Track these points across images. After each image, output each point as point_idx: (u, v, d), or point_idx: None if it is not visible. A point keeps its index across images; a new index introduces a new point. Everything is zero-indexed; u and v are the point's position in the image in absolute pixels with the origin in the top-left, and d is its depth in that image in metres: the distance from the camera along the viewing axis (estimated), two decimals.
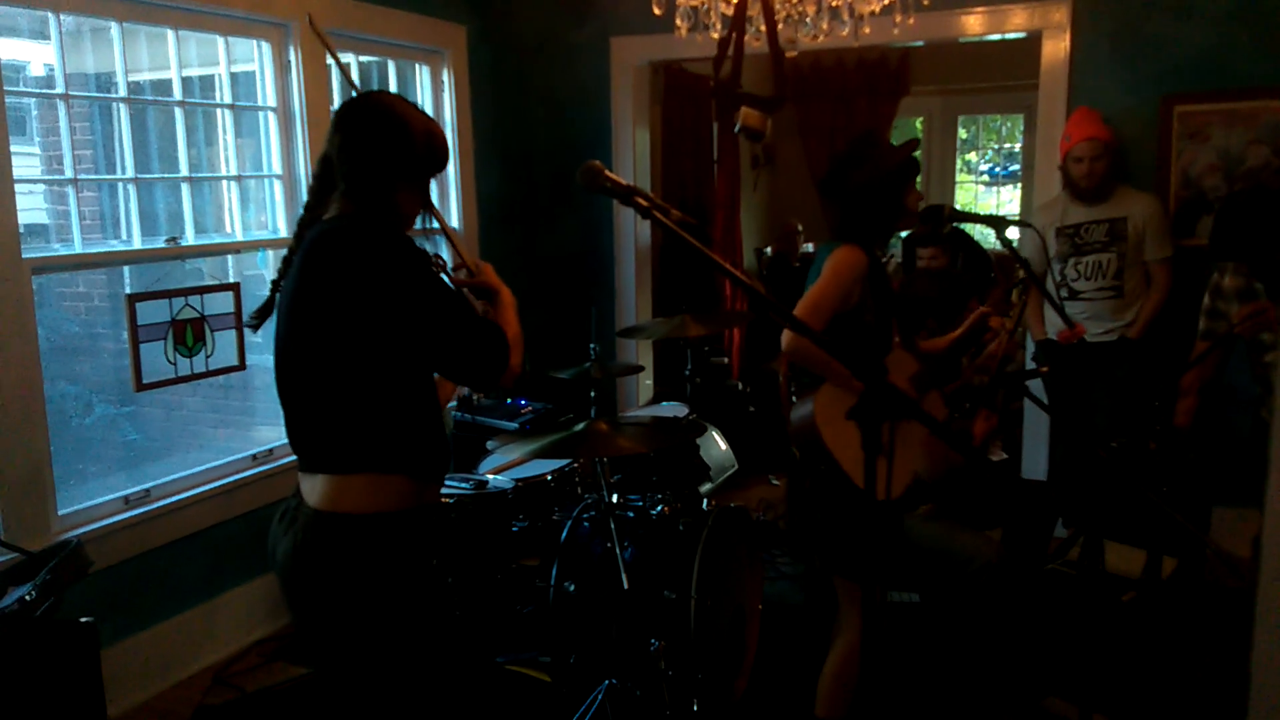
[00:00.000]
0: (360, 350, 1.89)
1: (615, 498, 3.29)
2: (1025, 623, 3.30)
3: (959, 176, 8.78)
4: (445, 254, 2.33)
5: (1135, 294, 4.11)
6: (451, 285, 2.11)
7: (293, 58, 3.94)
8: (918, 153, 2.60)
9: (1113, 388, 4.05)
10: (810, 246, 7.49)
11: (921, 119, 8.55)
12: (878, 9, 2.80)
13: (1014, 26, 4.41)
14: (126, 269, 3.59)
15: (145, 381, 3.42)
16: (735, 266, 1.57)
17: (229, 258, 3.91)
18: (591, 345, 3.78)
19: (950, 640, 3.28)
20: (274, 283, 2.07)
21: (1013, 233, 4.30)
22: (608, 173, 1.63)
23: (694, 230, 1.70)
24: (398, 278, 1.87)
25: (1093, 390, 4.06)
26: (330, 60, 4.05)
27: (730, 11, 2.70)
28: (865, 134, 2.66)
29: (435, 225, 2.27)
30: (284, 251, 2.08)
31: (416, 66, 4.78)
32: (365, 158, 1.97)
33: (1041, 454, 4.55)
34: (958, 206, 8.22)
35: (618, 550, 2.98)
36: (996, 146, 9.22)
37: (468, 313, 1.97)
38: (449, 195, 4.93)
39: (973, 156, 9.16)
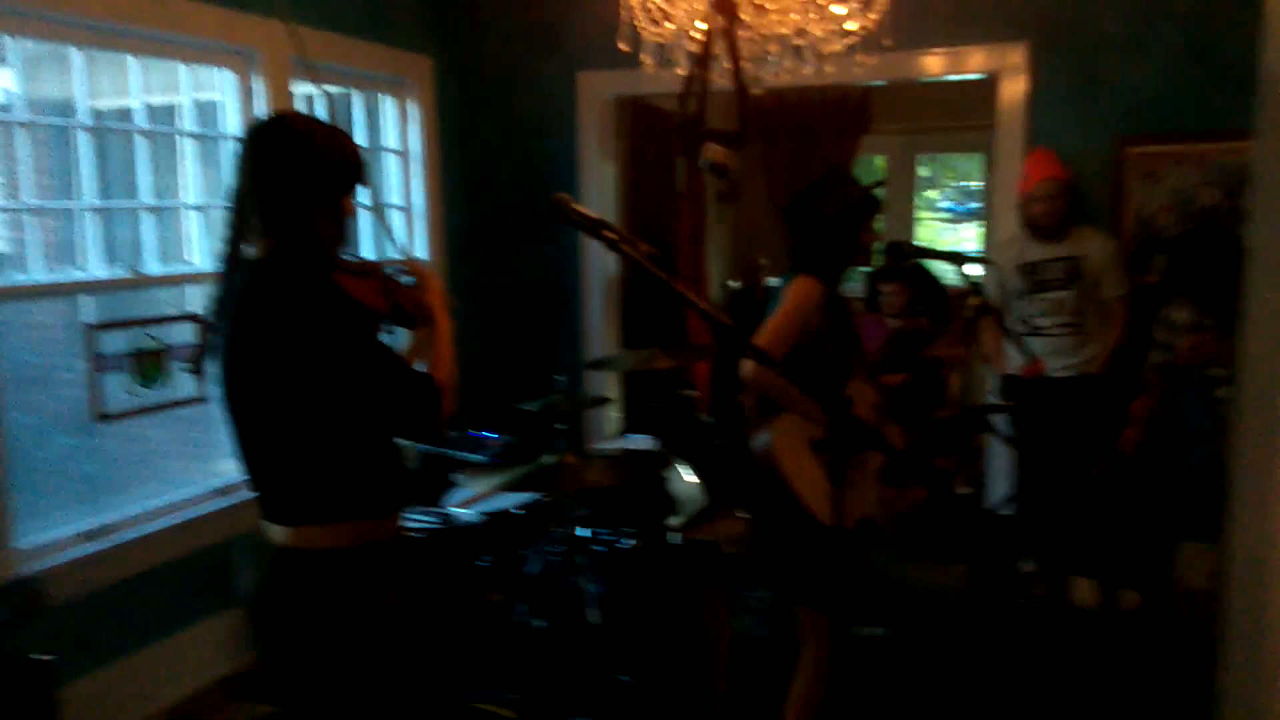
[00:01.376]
0: (295, 403, 1.86)
1: (584, 532, 3.27)
2: (992, 657, 3.32)
3: (919, 214, 8.90)
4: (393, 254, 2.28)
5: (1095, 330, 4.18)
6: (393, 290, 2.07)
7: (257, 87, 3.93)
8: (880, 191, 2.65)
9: (1074, 422, 4.11)
10: (775, 281, 7.55)
11: (883, 156, 8.68)
12: (840, 48, 2.86)
13: (973, 67, 4.50)
14: (88, 299, 3.54)
15: (105, 413, 3.36)
16: (701, 300, 1.59)
17: (187, 288, 3.87)
18: (558, 377, 3.77)
19: (917, 674, 3.29)
20: (208, 325, 2.00)
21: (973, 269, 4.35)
22: (576, 205, 1.65)
23: (660, 263, 1.72)
24: (320, 333, 1.83)
25: (1055, 425, 4.12)
26: (298, 84, 4.05)
27: (697, 49, 2.74)
28: (832, 168, 2.71)
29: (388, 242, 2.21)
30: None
31: (383, 97, 4.79)
32: (272, 184, 1.89)
33: (1005, 488, 4.59)
34: (918, 243, 8.33)
35: (588, 585, 2.96)
36: (956, 184, 9.38)
37: (396, 365, 1.93)
38: (415, 226, 4.92)
39: (933, 194, 9.31)
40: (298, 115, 2.01)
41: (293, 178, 1.89)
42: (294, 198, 1.90)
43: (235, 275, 1.95)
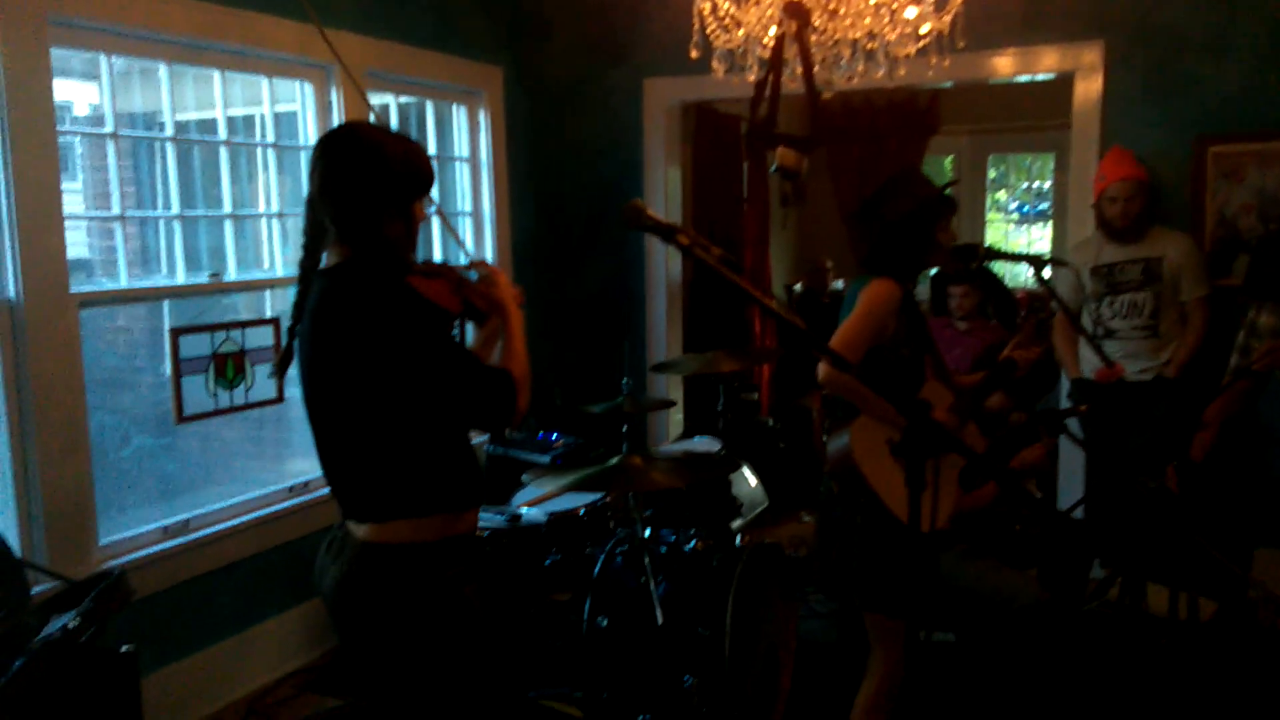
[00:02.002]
0: (373, 406, 1.91)
1: (648, 532, 3.29)
2: (1065, 665, 3.26)
3: (989, 215, 8.78)
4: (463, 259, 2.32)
5: (1171, 333, 4.08)
6: (464, 288, 2.11)
7: (334, 99, 4.02)
8: (951, 190, 2.62)
9: (1150, 428, 4.02)
10: (840, 284, 7.50)
11: (951, 158, 8.58)
12: (913, 51, 2.84)
13: (1046, 67, 4.43)
14: (166, 304, 3.66)
15: (186, 414, 3.47)
16: (774, 303, 1.59)
17: (265, 293, 3.98)
18: (624, 380, 3.80)
19: (988, 681, 3.24)
20: (290, 329, 2.07)
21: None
22: (650, 211, 1.67)
23: (732, 268, 1.72)
24: (396, 336, 1.87)
25: (1130, 430, 4.03)
26: (376, 97, 4.13)
27: (767, 54, 2.74)
28: (904, 169, 2.69)
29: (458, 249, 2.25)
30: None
31: (454, 108, 4.87)
32: (344, 192, 1.94)
33: (1077, 493, 4.51)
34: (989, 245, 8.21)
35: (652, 585, 2.98)
36: (1026, 185, 9.22)
37: (471, 362, 1.98)
38: (484, 234, 4.99)
39: (1002, 195, 9.17)
40: (367, 124, 2.07)
41: (363, 185, 1.94)
42: (365, 204, 1.95)
43: (313, 281, 2.01)
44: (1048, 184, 8.87)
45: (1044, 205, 9.00)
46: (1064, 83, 4.51)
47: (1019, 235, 9.11)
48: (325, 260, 2.02)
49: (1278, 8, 4.01)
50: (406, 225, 2.01)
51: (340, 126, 2.07)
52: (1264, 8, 4.03)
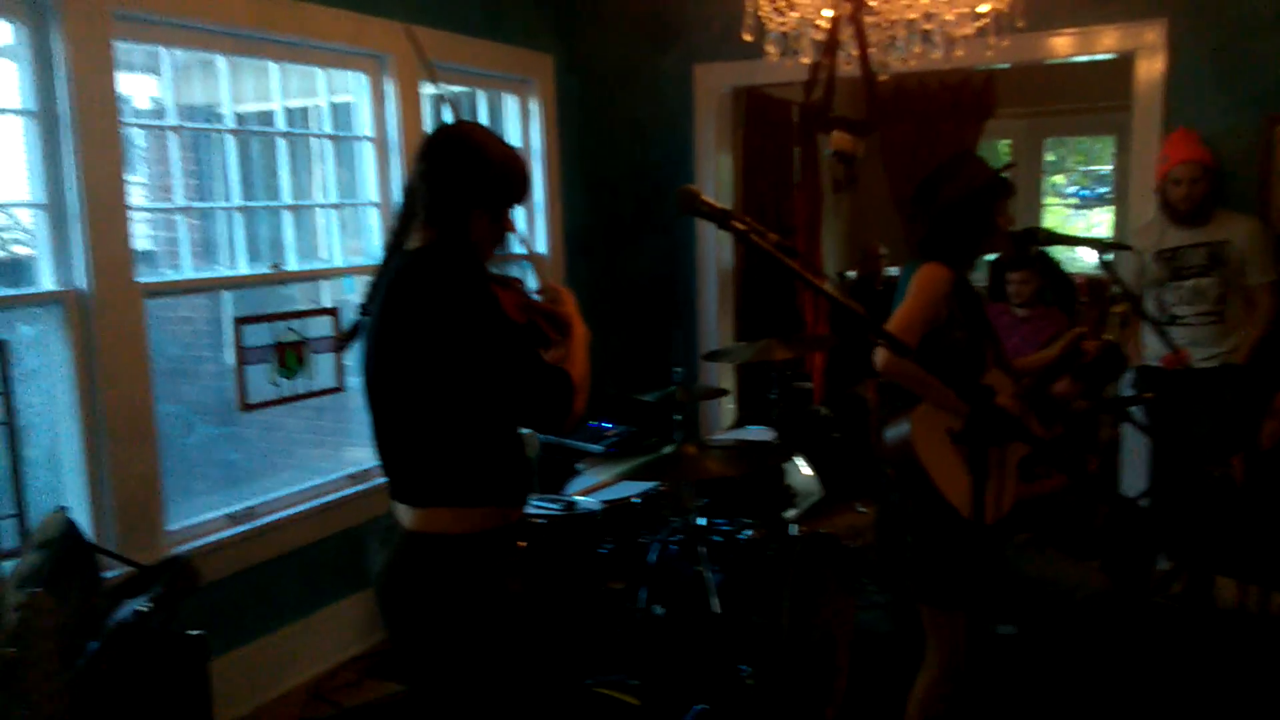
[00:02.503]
0: (434, 387, 1.93)
1: (703, 521, 3.29)
2: (1130, 659, 3.20)
3: (1046, 199, 8.61)
4: (531, 280, 2.36)
5: (1237, 319, 3.98)
6: (531, 308, 2.14)
7: (389, 89, 4.06)
8: (1007, 174, 2.57)
9: (1216, 416, 3.92)
10: (894, 270, 7.41)
11: (1008, 141, 8.43)
12: (971, 32, 2.79)
13: (1105, 48, 4.33)
14: (226, 294, 3.73)
15: (250, 402, 3.53)
16: (832, 289, 1.58)
17: (322, 283, 4.04)
18: (676, 368, 3.79)
19: (1051, 675, 3.20)
20: (361, 307, 2.11)
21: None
22: (705, 197, 1.66)
23: (788, 254, 1.71)
24: (464, 318, 1.90)
25: (1195, 419, 3.94)
26: (426, 86, 4.17)
27: (822, 37, 2.72)
28: (960, 152, 2.64)
29: (522, 250, 2.29)
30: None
31: (505, 96, 4.89)
32: (442, 182, 2.01)
33: (1141, 482, 4.42)
34: (1049, 230, 8.06)
35: (707, 574, 2.98)
36: (1085, 169, 9.03)
37: (532, 358, 1.99)
38: (536, 221, 5.01)
39: (1059, 179, 8.99)
40: (478, 126, 2.14)
41: (463, 179, 2.01)
42: (460, 198, 2.01)
43: (392, 263, 2.05)
44: (1107, 168, 8.67)
45: (1103, 189, 8.81)
46: (1124, 63, 4.40)
47: (1078, 220, 8.92)
48: (409, 245, 2.06)
49: None
50: (494, 228, 2.07)
51: (452, 124, 2.15)
52: None
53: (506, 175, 2.06)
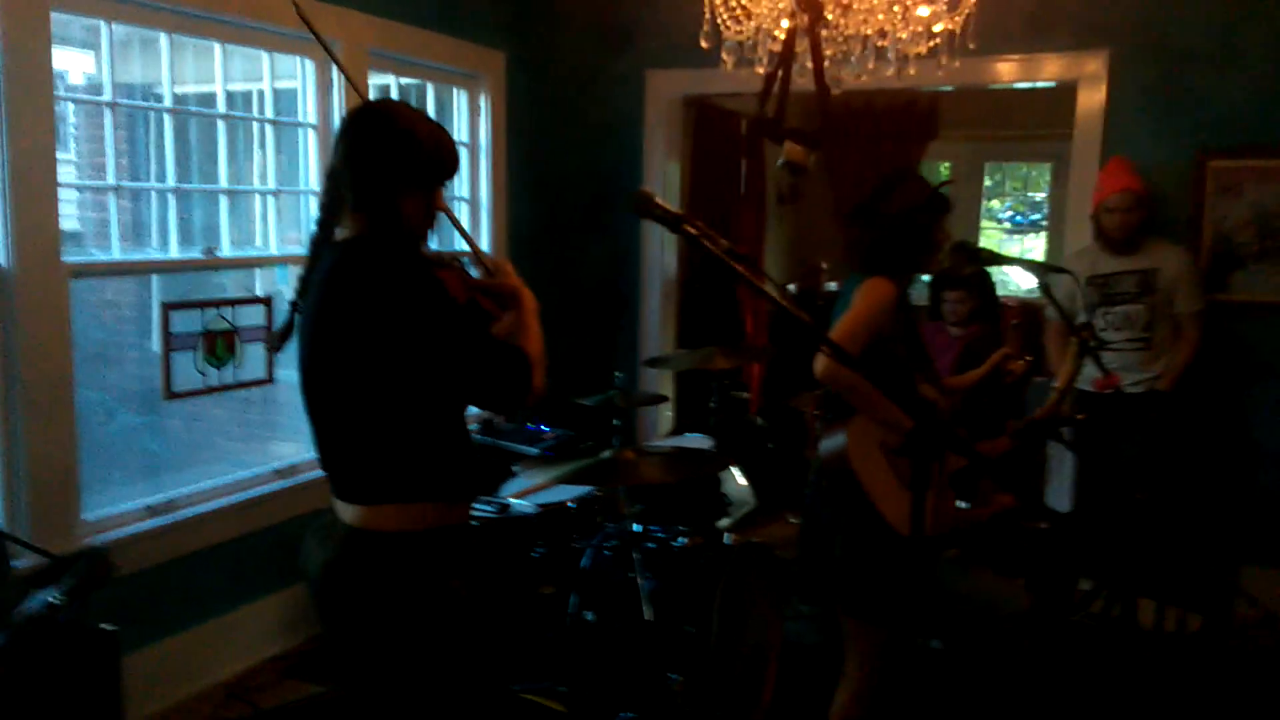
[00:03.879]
0: (379, 382, 1.87)
1: (637, 528, 3.27)
2: (1050, 675, 3.26)
3: (982, 223, 8.79)
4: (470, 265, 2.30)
5: (1164, 346, 4.09)
6: (473, 286, 2.09)
7: (334, 77, 3.98)
8: (947, 189, 2.61)
9: (1141, 440, 4.02)
10: (834, 285, 7.49)
11: (948, 164, 8.58)
12: (924, 50, 2.82)
13: (1049, 75, 4.43)
14: (155, 278, 3.61)
15: (175, 390, 3.42)
16: (781, 296, 1.57)
17: (256, 271, 3.94)
18: (617, 374, 3.77)
19: (971, 690, 3.24)
20: (292, 304, 2.02)
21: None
22: (659, 200, 1.65)
23: (740, 261, 1.70)
24: (409, 309, 1.84)
25: (1121, 442, 4.03)
26: (377, 77, 4.09)
27: (778, 47, 2.72)
28: (900, 168, 2.67)
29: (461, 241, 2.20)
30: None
31: (454, 91, 4.83)
32: (368, 164, 1.92)
33: (1064, 503, 4.51)
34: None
35: (641, 581, 2.96)
36: (1020, 194, 9.23)
37: (486, 339, 1.94)
38: (480, 220, 4.95)
39: (995, 204, 9.18)
40: (401, 103, 2.04)
41: (389, 160, 1.92)
42: (388, 180, 1.92)
43: (324, 254, 1.97)
44: (1042, 194, 8.88)
45: (1037, 215, 9.02)
46: (1064, 92, 4.51)
47: (1012, 244, 9.12)
48: (339, 235, 1.99)
49: None
50: (427, 209, 1.99)
51: (374, 101, 2.05)
52: (1269, 25, 4.04)
53: (435, 150, 1.96)
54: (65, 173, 3.67)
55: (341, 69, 2.26)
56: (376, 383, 1.87)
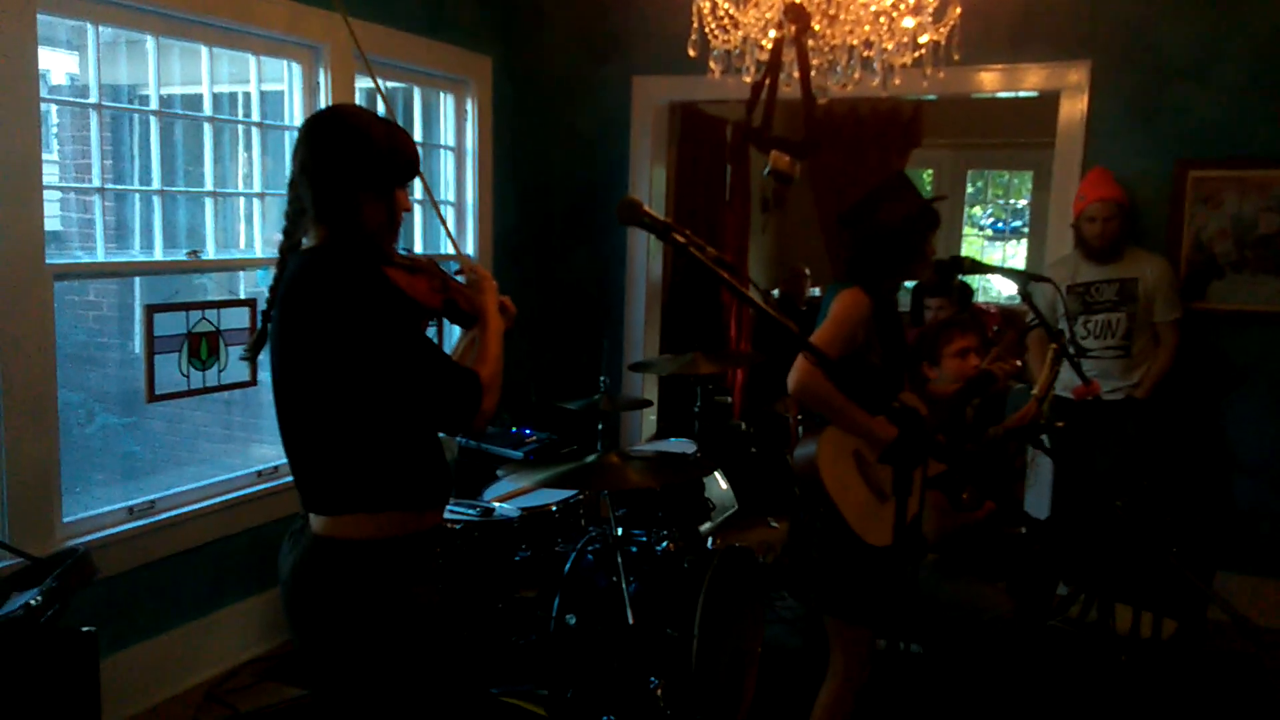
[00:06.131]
0: (337, 391, 1.87)
1: (620, 531, 3.28)
2: (1030, 679, 3.28)
3: (964, 230, 8.85)
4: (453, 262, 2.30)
5: (1143, 354, 4.13)
6: (449, 288, 2.09)
7: (322, 80, 3.98)
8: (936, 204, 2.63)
9: (1118, 448, 4.06)
10: (817, 291, 7.53)
11: (930, 171, 8.64)
12: (909, 61, 2.85)
13: (1032, 85, 4.47)
14: (138, 280, 3.59)
15: (158, 392, 3.41)
16: (766, 303, 1.59)
17: (240, 274, 3.93)
18: (602, 378, 3.79)
19: (953, 693, 3.26)
20: (264, 312, 2.02)
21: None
22: (646, 208, 1.66)
23: (727, 269, 1.71)
24: (363, 320, 1.84)
25: (1099, 450, 4.07)
26: (363, 81, 4.09)
27: (765, 57, 2.74)
28: (896, 175, 2.69)
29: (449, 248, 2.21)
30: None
31: (441, 95, 4.83)
32: (323, 170, 1.92)
33: (1044, 510, 4.55)
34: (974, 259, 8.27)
35: (624, 585, 2.97)
36: (1002, 202, 9.30)
37: (437, 357, 1.93)
38: (466, 224, 4.95)
39: (976, 211, 9.25)
40: (353, 106, 2.04)
41: (344, 165, 1.92)
42: (344, 185, 1.92)
43: (290, 263, 1.98)
44: (1023, 202, 8.95)
45: (1018, 222, 9.09)
46: (1046, 101, 4.55)
47: (993, 251, 9.19)
48: (304, 244, 1.99)
49: (1261, 38, 4.08)
50: (389, 212, 1.98)
51: (326, 108, 2.05)
52: (1248, 37, 4.10)
53: (390, 151, 1.95)
54: (50, 174, 3.66)
55: (377, 87, 2.27)
56: (334, 394, 1.88)
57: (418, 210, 4.57)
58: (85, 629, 2.66)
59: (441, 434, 2.10)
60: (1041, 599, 3.76)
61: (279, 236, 2.03)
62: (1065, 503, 4.34)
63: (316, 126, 1.96)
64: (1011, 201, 9.24)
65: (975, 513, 2.82)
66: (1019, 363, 2.81)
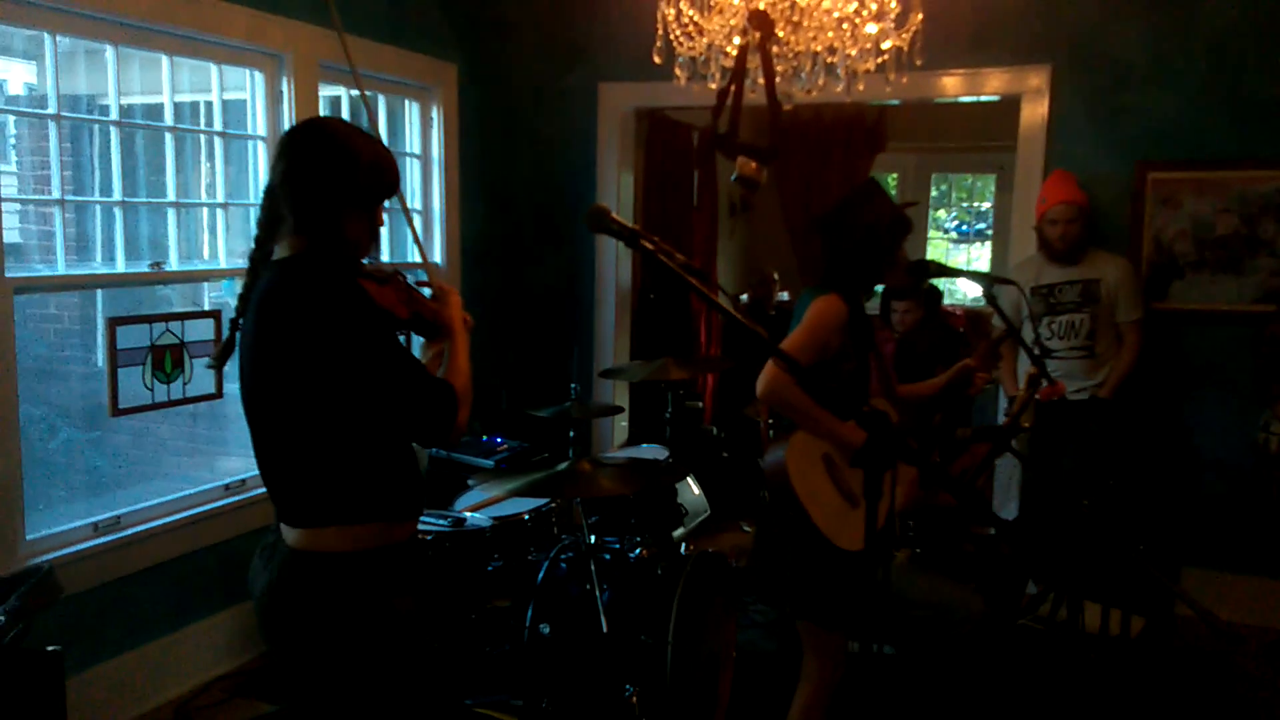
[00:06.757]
0: (312, 403, 1.86)
1: (592, 539, 3.27)
2: (1001, 678, 3.31)
3: (929, 233, 8.93)
4: (419, 276, 2.30)
5: (1107, 354, 4.19)
6: (416, 301, 2.09)
7: (285, 88, 3.95)
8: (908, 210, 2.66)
9: (1084, 447, 4.11)
10: (785, 295, 7.56)
11: (895, 175, 8.71)
12: (872, 66, 2.87)
13: (994, 89, 4.52)
14: (100, 292, 3.54)
15: (122, 406, 3.36)
16: (736, 310, 1.60)
17: (204, 285, 3.88)
18: (573, 385, 3.78)
19: (926, 694, 3.28)
20: (233, 321, 2.01)
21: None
22: (614, 215, 1.66)
23: (696, 275, 1.72)
24: (340, 332, 1.83)
25: (1064, 449, 4.12)
26: (327, 89, 4.06)
27: (729, 63, 2.76)
28: (867, 181, 2.70)
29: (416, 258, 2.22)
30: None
31: (406, 103, 4.81)
32: (309, 183, 1.91)
33: (1011, 510, 4.60)
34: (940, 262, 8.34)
35: (598, 592, 2.96)
36: (966, 205, 9.40)
37: (414, 370, 1.93)
38: (433, 231, 4.93)
39: (941, 214, 9.33)
40: (338, 121, 2.02)
41: (329, 181, 1.91)
42: (328, 200, 1.92)
43: (261, 273, 1.96)
44: (987, 205, 9.05)
45: (981, 225, 9.18)
46: (1008, 105, 4.61)
47: (957, 254, 9.28)
48: (277, 253, 1.97)
49: (1217, 40, 4.15)
50: (368, 226, 1.99)
51: (312, 119, 2.04)
52: (1205, 39, 4.17)
53: (375, 169, 1.95)
54: (8, 186, 3.61)
55: (366, 102, 2.25)
56: (313, 405, 1.87)
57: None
58: (50, 648, 2.62)
59: (415, 445, 2.10)
60: (1011, 598, 3.80)
61: (251, 246, 2.02)
62: (1033, 502, 4.39)
63: (301, 139, 1.95)
64: (975, 204, 9.33)
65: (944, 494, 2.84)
66: (994, 374, 2.84)
